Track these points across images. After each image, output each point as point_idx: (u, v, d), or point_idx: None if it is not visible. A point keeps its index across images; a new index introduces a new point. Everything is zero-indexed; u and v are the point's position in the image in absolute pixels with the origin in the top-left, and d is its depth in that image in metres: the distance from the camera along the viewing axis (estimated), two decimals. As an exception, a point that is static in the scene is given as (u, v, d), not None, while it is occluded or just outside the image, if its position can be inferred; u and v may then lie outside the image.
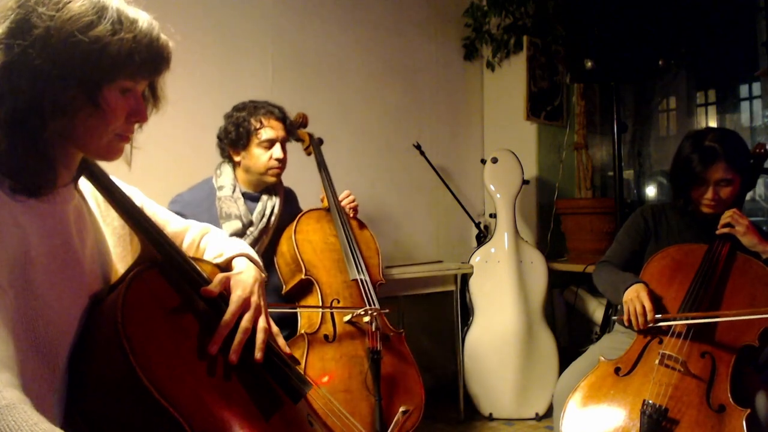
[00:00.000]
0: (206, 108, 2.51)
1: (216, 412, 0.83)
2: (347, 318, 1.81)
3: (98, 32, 0.77)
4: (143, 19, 0.84)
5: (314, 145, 2.24)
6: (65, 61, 0.76)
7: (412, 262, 3.00)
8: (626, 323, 1.69)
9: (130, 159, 0.95)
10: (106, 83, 0.80)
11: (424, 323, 3.34)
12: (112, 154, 0.88)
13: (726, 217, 1.75)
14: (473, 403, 2.95)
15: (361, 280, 1.90)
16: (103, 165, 0.97)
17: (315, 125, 2.93)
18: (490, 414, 2.90)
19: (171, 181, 2.21)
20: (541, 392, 2.86)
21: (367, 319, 1.81)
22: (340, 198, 2.12)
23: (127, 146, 0.93)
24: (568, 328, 3.45)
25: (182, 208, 1.92)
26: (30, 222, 0.78)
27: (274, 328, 1.05)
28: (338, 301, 1.87)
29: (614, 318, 1.97)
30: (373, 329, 1.81)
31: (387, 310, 1.92)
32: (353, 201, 2.18)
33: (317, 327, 1.79)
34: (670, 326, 1.63)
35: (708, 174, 1.76)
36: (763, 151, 1.95)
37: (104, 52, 0.78)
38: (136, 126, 0.91)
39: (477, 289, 3.01)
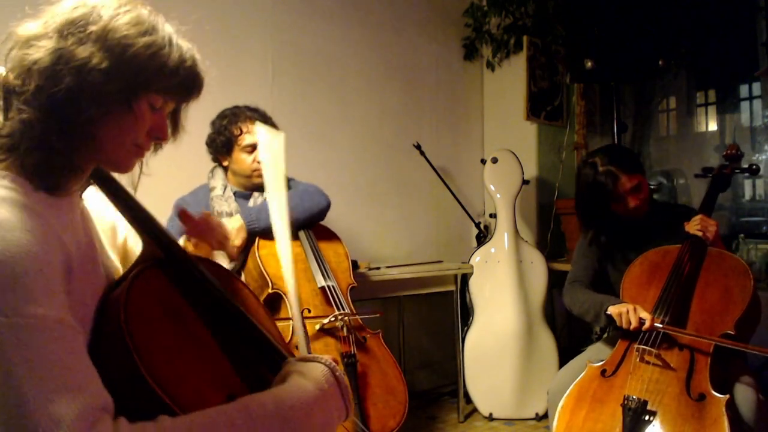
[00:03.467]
0: (206, 108, 2.50)
1: None
2: (318, 326, 1.83)
3: (151, 40, 0.82)
4: (188, 46, 0.89)
5: None
6: (115, 58, 0.78)
7: (412, 262, 3.00)
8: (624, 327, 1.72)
9: (137, 184, 0.96)
10: (144, 90, 0.83)
11: (424, 323, 3.34)
12: (126, 164, 0.88)
13: (695, 224, 1.83)
14: (473, 403, 2.95)
15: (329, 286, 1.91)
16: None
17: (315, 125, 2.93)
18: (490, 414, 2.90)
19: (170, 181, 2.21)
20: (541, 392, 2.85)
21: (339, 324, 1.83)
22: None
23: (136, 170, 0.94)
24: (568, 328, 3.45)
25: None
26: (61, 227, 0.78)
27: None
28: (309, 311, 1.88)
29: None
30: (345, 334, 1.83)
31: (373, 311, 1.94)
32: None
33: (289, 339, 1.80)
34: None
35: (619, 190, 1.91)
36: (735, 152, 2.04)
37: (152, 60, 0.81)
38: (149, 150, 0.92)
39: (477, 289, 3.01)
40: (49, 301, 0.68)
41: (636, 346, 1.65)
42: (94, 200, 0.99)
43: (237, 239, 1.95)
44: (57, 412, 0.62)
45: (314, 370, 0.88)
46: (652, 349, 1.62)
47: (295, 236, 2.07)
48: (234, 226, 1.97)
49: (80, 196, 0.91)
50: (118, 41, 0.79)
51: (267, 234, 1.99)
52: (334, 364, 0.91)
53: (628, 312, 1.69)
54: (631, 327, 1.67)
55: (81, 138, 0.80)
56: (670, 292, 1.73)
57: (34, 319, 0.65)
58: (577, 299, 1.97)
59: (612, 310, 1.75)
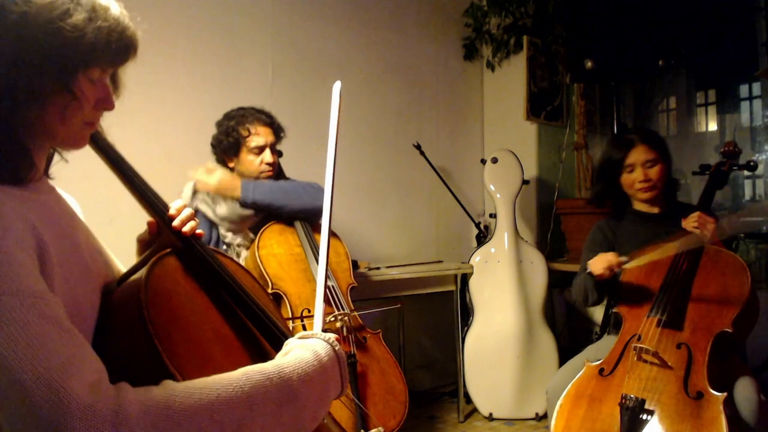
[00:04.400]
0: (206, 107, 2.51)
1: None
2: None
3: (76, 20, 0.76)
4: (115, 7, 0.82)
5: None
6: (44, 48, 0.75)
7: (412, 262, 3.00)
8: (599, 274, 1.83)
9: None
10: (81, 71, 0.79)
11: (424, 323, 3.34)
12: (79, 142, 0.87)
13: (692, 221, 1.84)
14: (473, 403, 2.95)
15: (328, 286, 1.92)
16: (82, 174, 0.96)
17: (315, 125, 2.93)
18: (490, 414, 2.90)
19: (170, 180, 2.22)
20: (541, 392, 2.84)
21: (338, 324, 1.82)
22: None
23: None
24: (568, 328, 3.45)
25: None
26: (30, 211, 0.77)
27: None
28: (308, 311, 1.88)
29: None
30: (345, 333, 1.83)
31: (378, 311, 1.94)
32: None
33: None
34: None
35: (632, 157, 1.98)
36: (732, 148, 2.07)
37: (82, 40, 0.77)
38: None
39: (477, 289, 3.01)
40: (22, 278, 0.67)
41: (634, 344, 1.66)
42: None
43: (213, 180, 1.99)
44: (54, 381, 0.61)
45: (314, 344, 0.90)
46: (650, 348, 1.62)
47: (289, 223, 2.07)
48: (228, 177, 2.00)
49: (48, 182, 0.89)
50: (42, 27, 0.74)
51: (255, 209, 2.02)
52: (334, 340, 0.93)
53: (597, 261, 1.81)
54: (602, 271, 1.78)
55: (27, 133, 0.79)
56: (667, 289, 1.74)
57: (11, 297, 0.64)
58: (574, 285, 2.01)
59: (590, 266, 1.85)
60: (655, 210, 2.05)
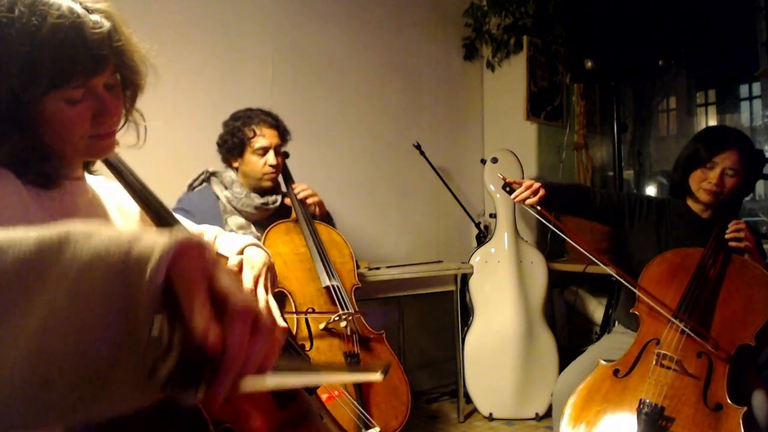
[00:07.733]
0: (206, 107, 2.51)
1: (232, 399, 0.85)
2: (323, 325, 1.84)
3: (25, 51, 0.66)
4: (53, 14, 0.68)
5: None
6: None
7: (412, 262, 3.00)
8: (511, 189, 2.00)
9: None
10: (35, 101, 0.70)
11: (424, 323, 3.34)
12: (97, 153, 0.82)
13: (739, 231, 1.77)
14: (473, 403, 2.95)
15: (333, 286, 1.92)
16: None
17: (315, 125, 2.93)
18: (490, 414, 2.90)
19: (171, 180, 2.22)
20: (541, 392, 2.86)
21: (343, 324, 1.83)
22: (296, 191, 2.15)
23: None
24: (568, 328, 3.45)
25: (188, 205, 2.05)
26: (38, 212, 0.75)
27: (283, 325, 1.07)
28: (313, 310, 1.88)
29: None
30: (349, 333, 1.83)
31: (361, 314, 1.95)
32: (312, 195, 2.16)
33: (294, 332, 1.80)
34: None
35: (719, 158, 1.85)
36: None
37: (29, 69, 0.67)
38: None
39: (477, 289, 3.01)
40: None
41: (656, 350, 1.62)
42: (119, 193, 0.98)
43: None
44: None
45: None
46: (674, 356, 1.58)
47: (295, 223, 2.09)
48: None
49: (86, 183, 0.88)
50: None
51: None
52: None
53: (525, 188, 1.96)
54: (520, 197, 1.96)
55: (44, 143, 0.74)
56: (694, 294, 1.69)
57: None
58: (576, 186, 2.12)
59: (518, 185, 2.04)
60: (706, 215, 1.96)
